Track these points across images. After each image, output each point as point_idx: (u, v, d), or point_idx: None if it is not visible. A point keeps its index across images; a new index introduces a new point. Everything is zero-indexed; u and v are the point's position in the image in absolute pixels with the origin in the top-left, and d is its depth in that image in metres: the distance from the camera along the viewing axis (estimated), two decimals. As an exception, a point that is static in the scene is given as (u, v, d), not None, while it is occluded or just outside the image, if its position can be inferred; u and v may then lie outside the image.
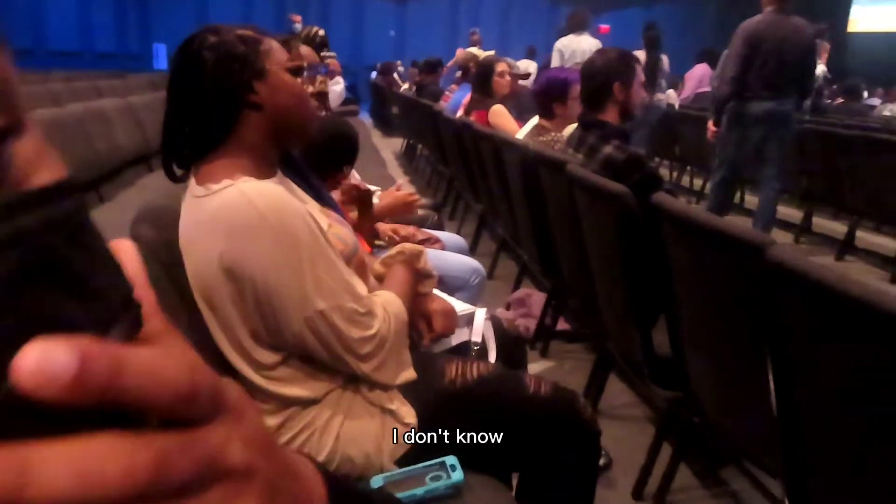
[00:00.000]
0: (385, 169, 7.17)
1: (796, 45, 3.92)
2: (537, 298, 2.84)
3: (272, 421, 1.13)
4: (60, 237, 0.23)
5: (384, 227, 2.15)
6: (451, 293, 1.62)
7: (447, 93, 6.06)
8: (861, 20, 14.41)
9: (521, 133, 3.42)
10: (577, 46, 5.59)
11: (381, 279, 1.31)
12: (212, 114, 1.12)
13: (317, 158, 1.68)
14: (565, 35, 5.85)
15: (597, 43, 5.64)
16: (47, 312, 0.22)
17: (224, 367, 1.11)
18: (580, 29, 5.81)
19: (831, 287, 0.98)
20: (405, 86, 9.41)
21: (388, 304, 1.16)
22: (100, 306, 0.24)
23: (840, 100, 9.22)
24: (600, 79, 2.21)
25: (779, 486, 1.31)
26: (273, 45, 1.14)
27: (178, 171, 1.18)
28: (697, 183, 6.53)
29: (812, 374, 1.13)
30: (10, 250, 0.22)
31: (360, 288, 1.12)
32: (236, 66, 1.10)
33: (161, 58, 13.81)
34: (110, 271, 0.25)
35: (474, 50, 5.31)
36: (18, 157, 0.23)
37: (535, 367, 2.54)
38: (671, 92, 10.81)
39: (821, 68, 7.07)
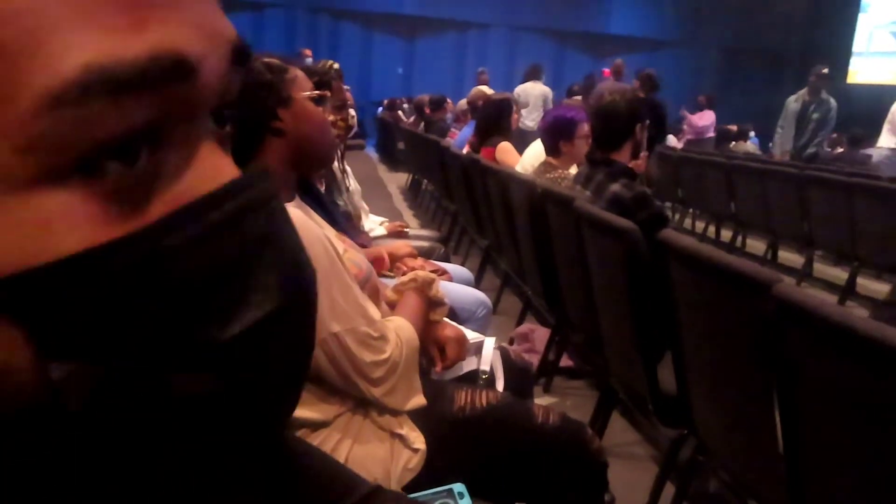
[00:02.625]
0: (391, 202, 7.25)
1: None
2: (541, 334, 2.84)
3: (282, 442, 1.14)
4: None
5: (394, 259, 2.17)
6: (457, 324, 1.63)
7: (453, 129, 6.16)
8: (860, 72, 14.67)
9: (520, 166, 3.47)
10: (531, 92, 6.91)
11: (393, 306, 1.32)
12: (235, 138, 1.15)
13: None
14: (523, 83, 7.21)
15: (546, 89, 7.02)
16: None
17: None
18: (535, 78, 7.19)
19: (836, 323, 0.99)
20: (411, 119, 9.54)
21: (400, 329, 1.18)
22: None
23: (840, 149, 9.34)
24: (624, 119, 2.23)
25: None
26: (298, 74, 1.18)
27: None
28: (699, 226, 6.57)
29: (818, 411, 1.14)
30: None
31: (374, 312, 1.14)
32: (263, 93, 1.13)
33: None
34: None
35: (484, 88, 5.42)
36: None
37: (538, 402, 2.53)
38: (670, 137, 10.97)
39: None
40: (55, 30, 0.21)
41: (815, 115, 6.83)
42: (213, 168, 0.27)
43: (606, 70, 8.39)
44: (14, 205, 0.22)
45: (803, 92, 6.91)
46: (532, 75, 7.22)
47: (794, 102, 6.97)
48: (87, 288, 0.22)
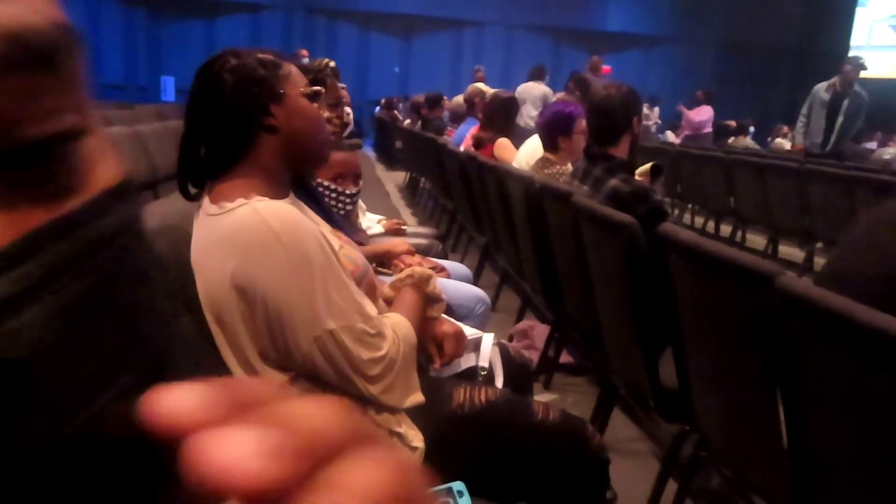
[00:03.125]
0: (389, 201, 7.24)
1: None
2: (540, 330, 2.83)
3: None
4: (125, 245, 0.24)
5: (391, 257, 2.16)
6: (456, 321, 1.62)
7: (450, 127, 6.14)
8: (858, 66, 14.65)
9: (516, 162, 3.45)
10: (530, 92, 6.89)
11: (390, 302, 1.31)
12: (228, 135, 1.13)
13: None
14: (526, 83, 7.19)
15: (546, 90, 7.01)
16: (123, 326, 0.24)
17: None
18: (538, 79, 7.20)
19: (841, 314, 0.98)
20: (407, 122, 9.54)
21: (397, 326, 1.16)
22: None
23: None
24: (621, 113, 2.22)
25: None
26: (292, 70, 1.16)
27: (193, 190, 1.19)
28: (699, 221, 6.56)
29: (823, 404, 1.13)
30: (87, 263, 0.23)
31: (371, 309, 1.12)
32: (255, 89, 1.12)
33: (169, 90, 13.96)
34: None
35: (481, 86, 5.41)
36: (82, 156, 0.24)
37: (539, 399, 2.52)
38: (668, 132, 10.97)
39: None
40: None
41: (846, 108, 6.30)
42: None
43: (605, 67, 8.44)
44: None
45: (834, 81, 6.36)
46: (535, 76, 7.35)
47: (823, 92, 6.42)
48: None
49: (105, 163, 0.25)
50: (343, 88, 2.68)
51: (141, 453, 0.23)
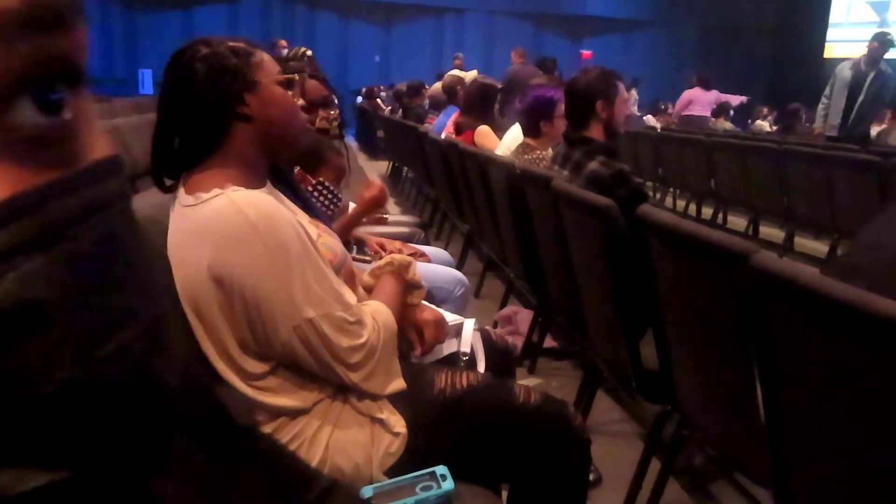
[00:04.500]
0: (371, 190, 7.22)
1: None
2: (524, 315, 2.84)
3: (260, 432, 1.12)
4: (125, 209, 0.27)
5: (371, 242, 2.16)
6: (435, 305, 1.62)
7: (431, 115, 6.13)
8: (836, 47, 14.74)
9: (500, 150, 3.45)
10: None
11: (369, 290, 1.31)
12: (202, 125, 1.12)
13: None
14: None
15: (535, 70, 6.91)
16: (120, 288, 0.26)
17: (211, 376, 1.10)
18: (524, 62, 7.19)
19: (816, 290, 0.99)
20: (388, 110, 9.52)
21: (377, 313, 1.16)
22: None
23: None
24: (583, 97, 2.24)
25: (770, 497, 1.31)
26: (265, 58, 1.15)
27: (168, 182, 1.18)
28: (681, 204, 6.60)
29: (800, 380, 1.14)
30: (91, 220, 0.25)
31: (350, 297, 1.12)
32: (227, 78, 1.10)
33: (147, 83, 13.80)
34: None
35: (457, 73, 5.39)
36: (83, 129, 0.27)
37: (524, 384, 2.53)
38: (649, 117, 10.98)
39: None
40: None
41: (869, 87, 5.76)
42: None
43: (586, 52, 8.43)
44: None
45: (859, 60, 5.83)
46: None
47: (847, 70, 5.86)
48: None
49: (98, 140, 0.28)
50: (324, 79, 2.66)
51: (146, 403, 0.27)
